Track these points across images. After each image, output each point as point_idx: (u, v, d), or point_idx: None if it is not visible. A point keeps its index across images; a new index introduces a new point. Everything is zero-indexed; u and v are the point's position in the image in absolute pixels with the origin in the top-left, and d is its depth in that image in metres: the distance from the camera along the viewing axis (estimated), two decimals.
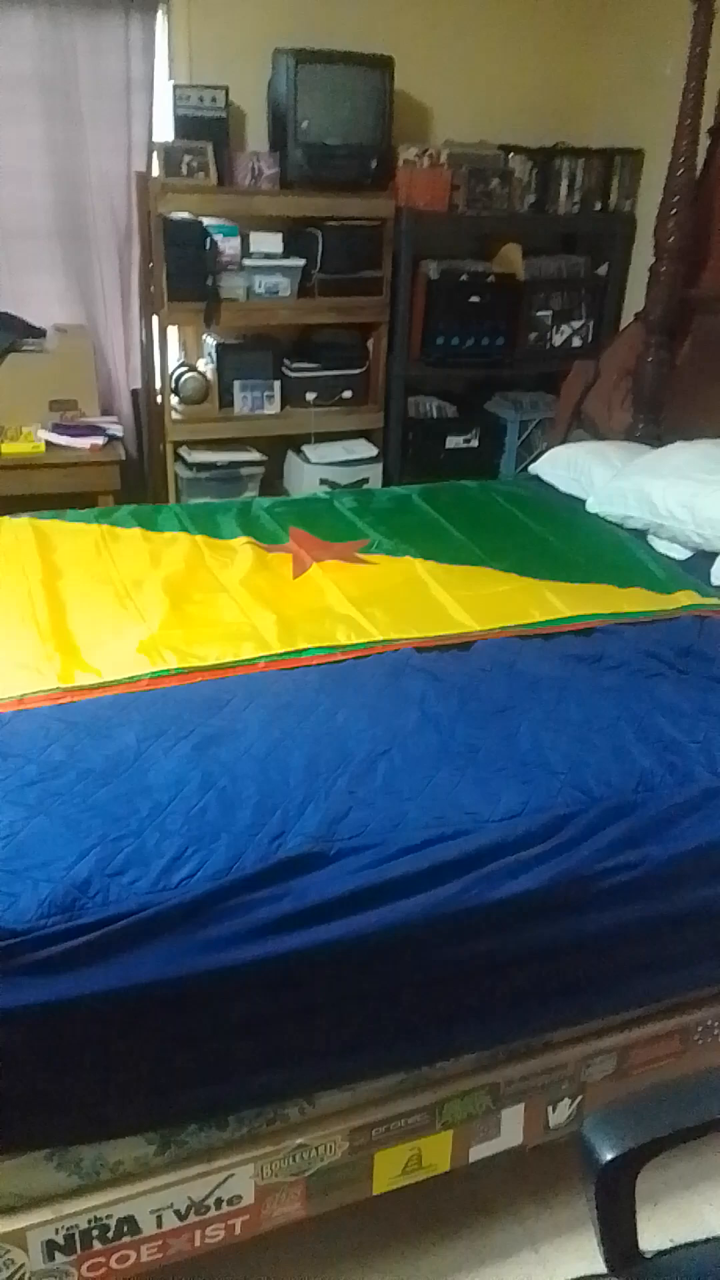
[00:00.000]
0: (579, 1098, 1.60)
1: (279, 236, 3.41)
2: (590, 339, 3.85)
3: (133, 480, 3.46)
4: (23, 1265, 1.31)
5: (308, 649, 1.91)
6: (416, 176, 3.45)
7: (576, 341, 3.85)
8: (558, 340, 3.83)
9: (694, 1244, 1.09)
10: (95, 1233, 1.34)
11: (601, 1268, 1.05)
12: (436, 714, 1.69)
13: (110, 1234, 1.35)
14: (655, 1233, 1.04)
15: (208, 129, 3.29)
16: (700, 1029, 1.64)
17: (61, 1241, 1.32)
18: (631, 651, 1.90)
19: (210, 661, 1.85)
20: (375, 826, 1.43)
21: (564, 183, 3.68)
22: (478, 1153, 1.57)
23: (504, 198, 3.57)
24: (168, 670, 1.81)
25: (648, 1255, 1.06)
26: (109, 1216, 1.34)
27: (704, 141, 2.96)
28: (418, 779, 1.53)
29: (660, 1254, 1.07)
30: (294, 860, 1.36)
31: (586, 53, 3.75)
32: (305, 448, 3.68)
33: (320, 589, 2.17)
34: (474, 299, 3.59)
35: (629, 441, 3.05)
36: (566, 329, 3.82)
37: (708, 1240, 1.10)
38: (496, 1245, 1.66)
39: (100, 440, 3.29)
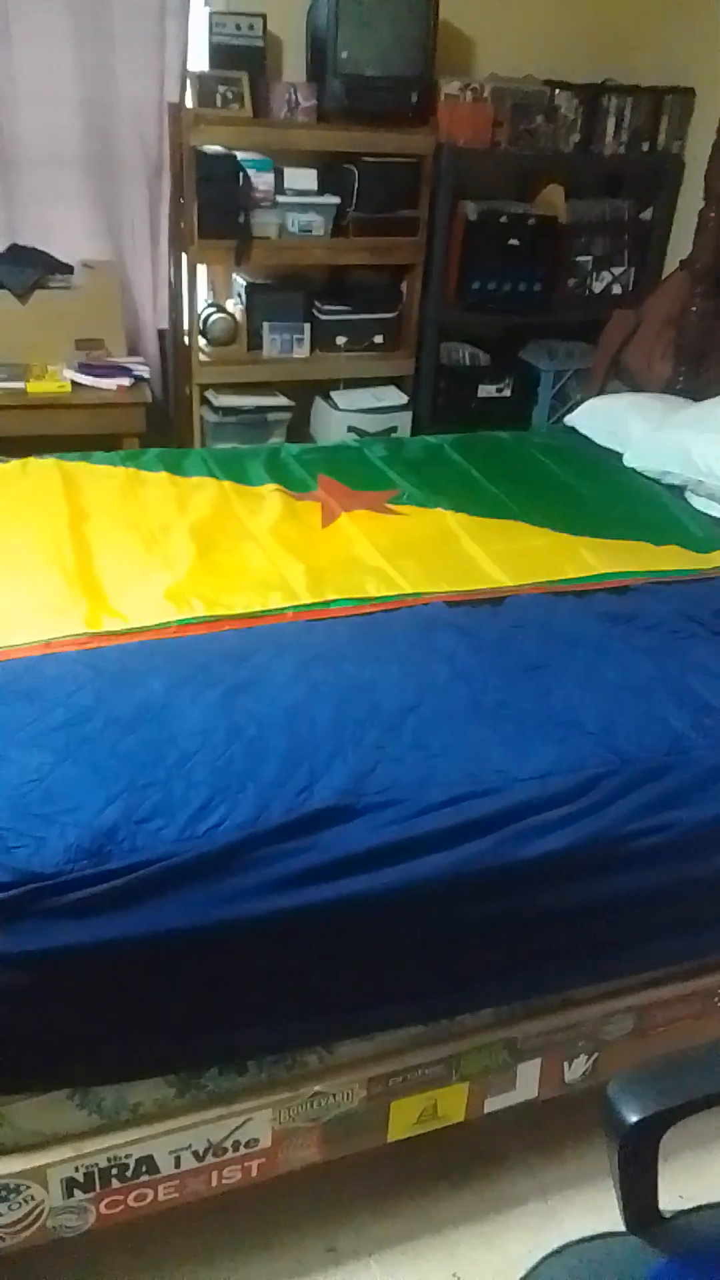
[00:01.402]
0: (595, 1054, 1.61)
1: (314, 173, 3.32)
2: (631, 286, 3.74)
3: (158, 423, 3.41)
4: (42, 1201, 1.33)
5: (336, 600, 1.89)
6: (458, 111, 3.33)
7: (617, 289, 3.74)
8: (598, 287, 3.73)
9: (713, 1205, 1.09)
10: (114, 1171, 1.36)
11: (615, 1222, 1.05)
12: (467, 670, 1.66)
13: (129, 1173, 1.37)
14: (666, 1190, 1.04)
15: (244, 58, 3.18)
16: None
17: (81, 1179, 1.34)
18: (668, 611, 1.87)
19: (238, 610, 1.83)
20: (403, 782, 1.42)
21: (611, 121, 3.54)
22: (492, 1105, 1.59)
23: (548, 136, 3.45)
24: (195, 618, 1.80)
25: (667, 1215, 1.06)
26: (128, 1156, 1.35)
27: None
28: (447, 735, 1.51)
29: (679, 1214, 1.08)
30: (321, 813, 1.35)
31: None
32: (334, 394, 3.62)
33: (349, 539, 2.14)
34: (513, 241, 3.49)
35: (669, 394, 2.98)
36: (607, 275, 3.72)
37: None
38: (506, 1195, 1.68)
39: (127, 381, 3.24)
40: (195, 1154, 1.39)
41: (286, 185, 3.29)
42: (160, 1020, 1.31)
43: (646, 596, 1.94)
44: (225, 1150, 1.41)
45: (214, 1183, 1.43)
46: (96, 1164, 1.33)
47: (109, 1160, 1.34)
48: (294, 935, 1.31)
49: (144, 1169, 1.37)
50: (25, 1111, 1.30)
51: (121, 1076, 1.33)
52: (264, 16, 3.18)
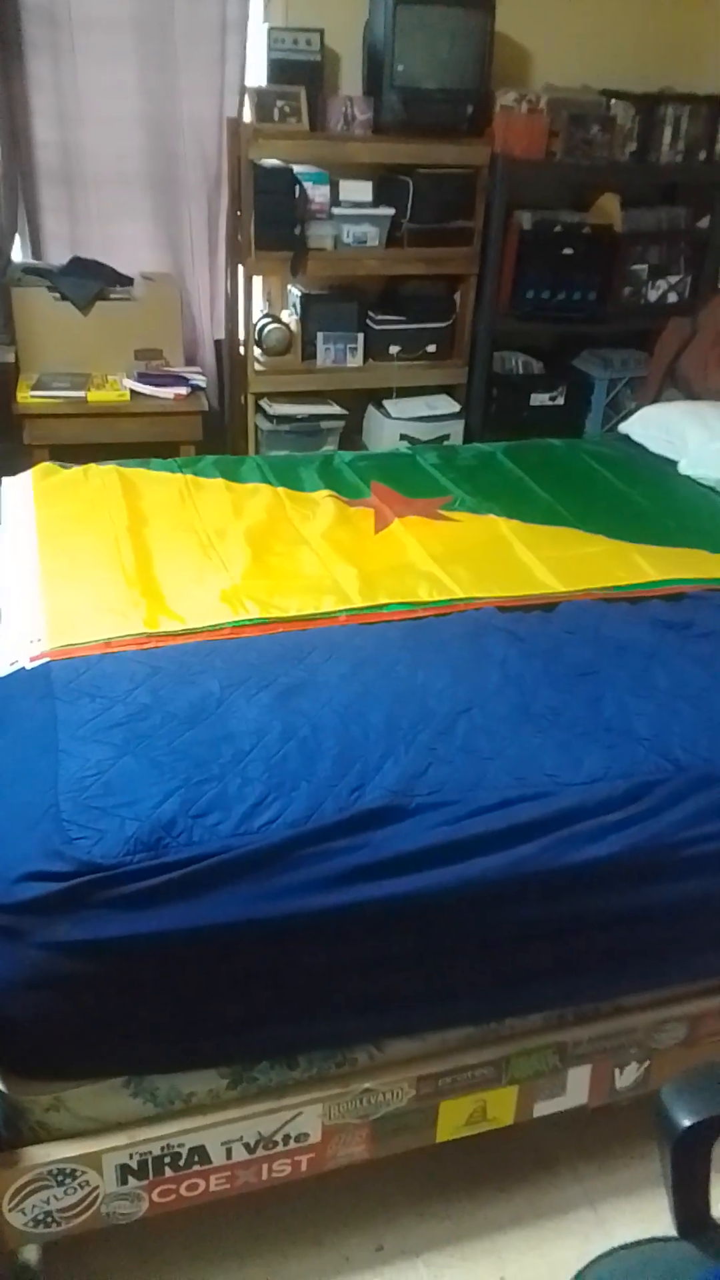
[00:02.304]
0: (646, 1063, 1.60)
1: (369, 185, 3.36)
2: (687, 295, 3.72)
3: (214, 431, 3.47)
4: (97, 1187, 1.36)
5: (389, 604, 1.91)
6: (514, 122, 3.34)
7: (673, 297, 3.72)
8: (653, 296, 3.71)
9: None
10: (167, 1160, 1.38)
11: (663, 1230, 1.05)
12: (519, 675, 1.67)
13: (182, 1162, 1.39)
14: (717, 1198, 1.03)
15: (302, 73, 3.23)
16: None
17: (135, 1166, 1.36)
18: None
19: (291, 613, 1.86)
20: (455, 784, 1.43)
21: (668, 130, 3.53)
22: (541, 1109, 1.58)
23: (604, 145, 3.45)
24: (250, 620, 1.83)
25: (719, 1221, 1.06)
26: (181, 1145, 1.37)
27: None
28: (498, 739, 1.52)
29: None
30: (373, 812, 1.37)
31: None
32: (386, 402, 3.64)
33: (402, 545, 2.16)
34: (567, 251, 3.49)
35: None
36: (663, 284, 3.70)
37: None
38: (554, 1202, 1.67)
39: (184, 390, 3.30)
40: (246, 1146, 1.41)
41: (342, 197, 3.33)
42: (213, 1012, 1.34)
43: (702, 604, 1.93)
44: (275, 1144, 1.43)
45: (264, 1175, 1.45)
46: (150, 1152, 1.36)
47: (163, 1149, 1.36)
48: (345, 932, 1.33)
49: (196, 1159, 1.39)
50: (81, 1098, 1.33)
51: (175, 1066, 1.36)
52: (321, 32, 3.23)
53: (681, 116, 3.52)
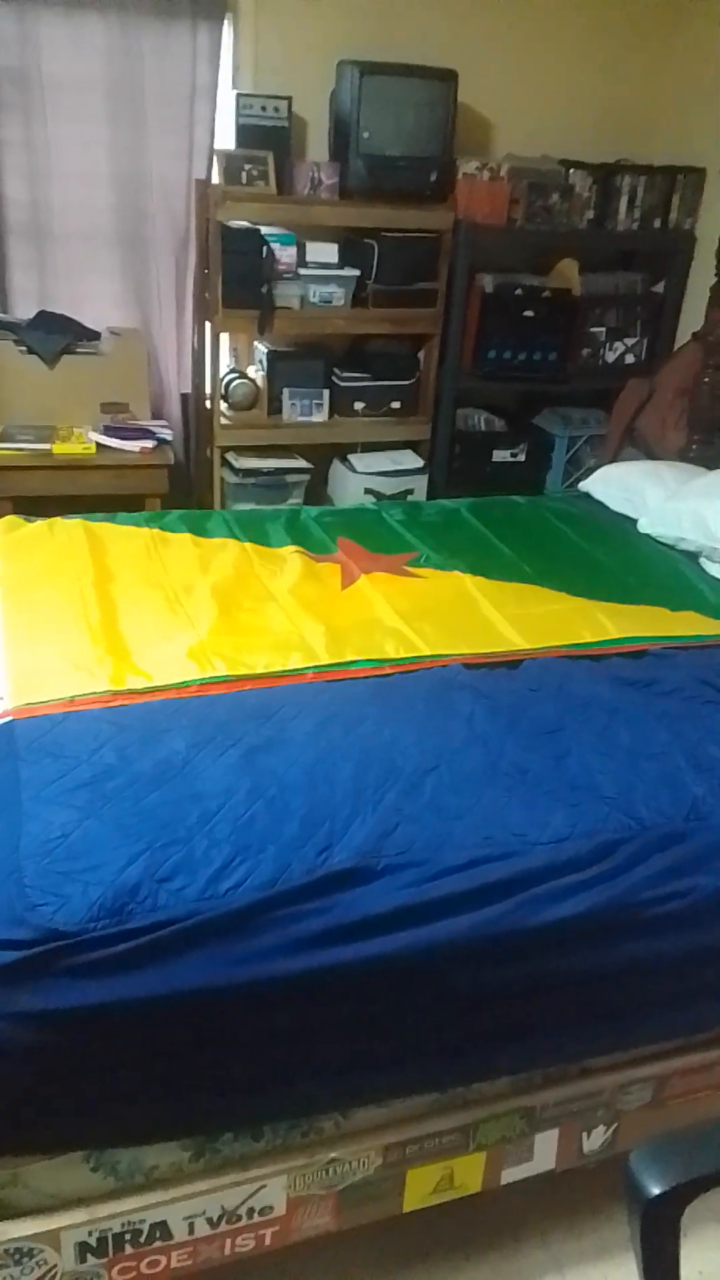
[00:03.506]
0: (614, 1124, 1.59)
1: (335, 246, 3.43)
2: (644, 357, 3.83)
3: (180, 484, 3.49)
4: (55, 1266, 1.32)
5: (356, 661, 1.91)
6: (476, 189, 3.44)
7: (630, 359, 3.83)
8: (611, 357, 3.82)
9: None
10: (128, 1236, 1.34)
11: None
12: (485, 732, 1.68)
13: (143, 1238, 1.35)
14: (684, 1263, 1.02)
15: (269, 138, 3.31)
16: None
17: (94, 1244, 1.33)
18: (685, 677, 1.88)
19: (259, 670, 1.86)
20: (422, 843, 1.43)
21: (624, 199, 3.66)
22: (509, 1175, 1.57)
23: (563, 213, 3.56)
24: (217, 677, 1.82)
25: None
26: (142, 1221, 1.34)
27: None
28: (466, 797, 1.52)
29: None
30: (341, 874, 1.36)
31: (651, 69, 3.73)
32: (351, 457, 3.69)
33: (369, 601, 2.17)
34: (528, 313, 3.59)
35: (682, 462, 3.03)
36: (620, 346, 3.81)
37: None
38: (523, 1269, 1.65)
39: (150, 443, 3.32)
40: (209, 1220, 1.38)
41: (308, 258, 3.40)
42: (178, 1082, 1.31)
43: (663, 662, 1.96)
44: (239, 1217, 1.40)
45: (227, 1250, 1.42)
46: (110, 1229, 1.32)
47: (123, 1225, 1.33)
48: (313, 997, 1.31)
49: (158, 1234, 1.35)
50: (40, 1173, 1.30)
51: (137, 1139, 1.33)
52: (289, 99, 3.32)
53: (637, 186, 3.65)
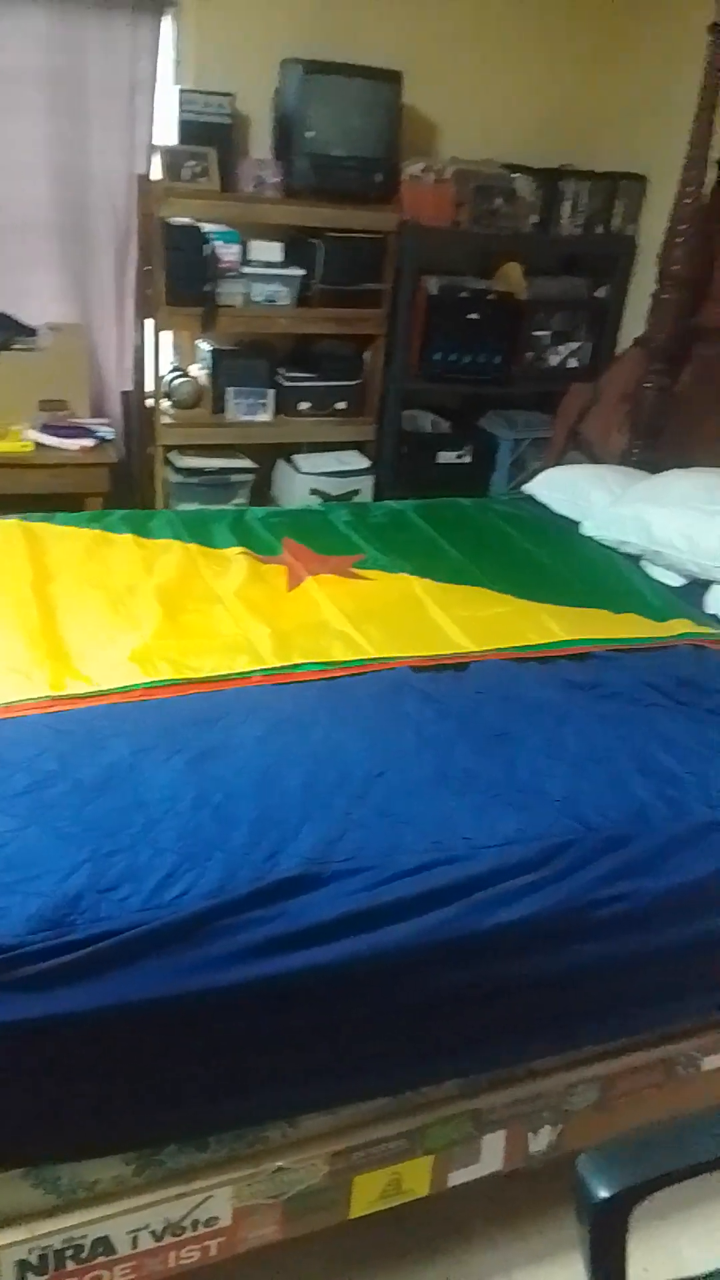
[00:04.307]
0: (560, 1125, 1.60)
1: (279, 245, 3.41)
2: (588, 361, 3.87)
3: (121, 483, 3.43)
4: None
5: (303, 664, 1.90)
6: (421, 191, 3.45)
7: (574, 363, 3.87)
8: (555, 361, 3.85)
9: None
10: (70, 1253, 1.31)
11: None
12: (434, 736, 1.68)
13: (85, 1254, 1.32)
14: (630, 1264, 1.03)
15: (212, 135, 3.27)
16: (684, 1060, 1.64)
17: (35, 1261, 1.29)
18: (629, 680, 1.90)
19: (204, 674, 1.84)
20: (371, 849, 1.42)
21: (568, 204, 3.70)
22: (456, 1178, 1.57)
23: (508, 216, 3.58)
24: (161, 681, 1.79)
25: None
26: (84, 1237, 1.31)
27: (711, 172, 2.98)
28: (414, 802, 1.52)
29: None
30: (288, 881, 1.35)
31: (595, 77, 3.77)
32: (296, 457, 3.67)
33: (315, 603, 2.16)
34: (473, 316, 3.60)
35: (625, 466, 3.06)
36: (564, 350, 3.84)
37: (694, 1278, 1.10)
38: (471, 1272, 1.65)
39: (90, 442, 3.26)
40: (153, 1234, 1.35)
41: (252, 256, 3.38)
42: (122, 1096, 1.29)
43: (607, 664, 1.98)
44: (184, 1229, 1.37)
45: (172, 1263, 1.39)
46: (52, 1245, 1.29)
47: (64, 1242, 1.30)
48: (260, 1005, 1.30)
49: (100, 1250, 1.33)
50: None
51: (79, 1154, 1.30)
52: (232, 96, 3.29)
53: (581, 191, 3.69)
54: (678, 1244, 1.69)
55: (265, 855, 1.38)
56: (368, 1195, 1.50)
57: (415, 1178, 1.52)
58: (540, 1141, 1.60)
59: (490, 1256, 1.67)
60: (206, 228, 3.29)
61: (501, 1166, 1.59)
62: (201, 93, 3.27)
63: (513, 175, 3.60)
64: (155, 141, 3.27)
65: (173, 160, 3.23)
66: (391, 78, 3.27)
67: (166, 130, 3.29)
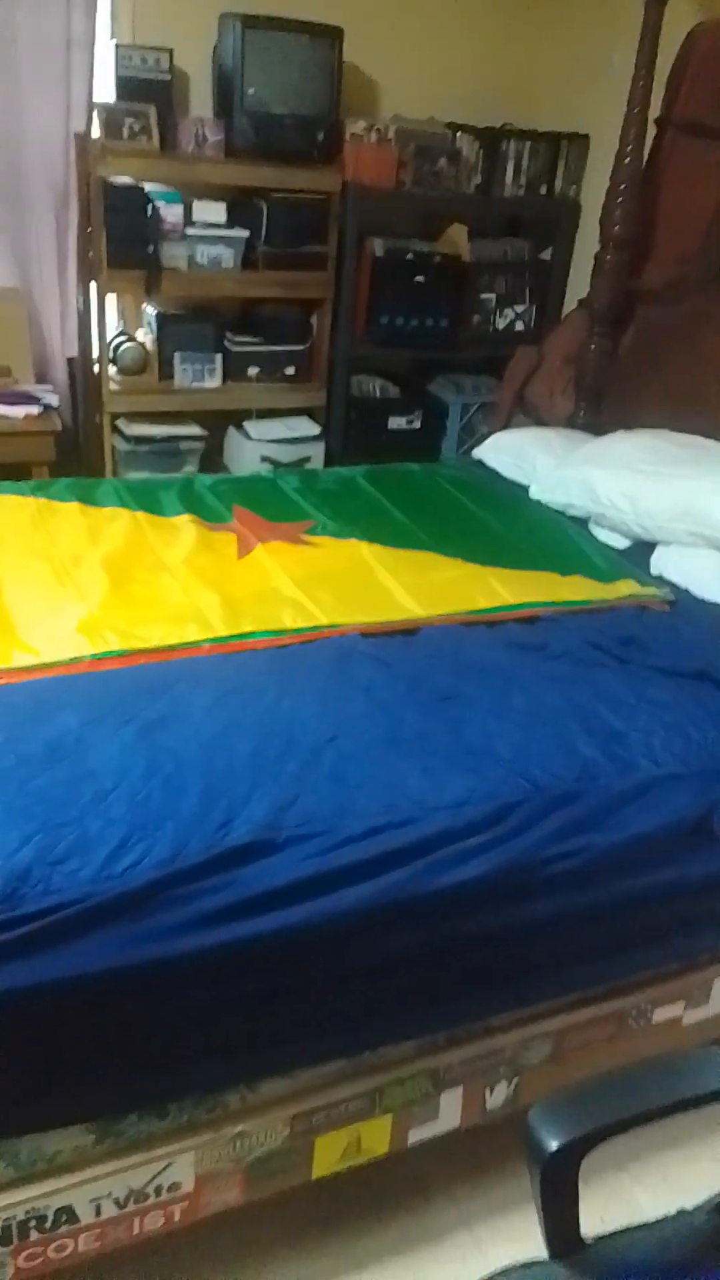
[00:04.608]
0: (515, 1080, 1.63)
1: (223, 206, 3.35)
2: (533, 324, 3.87)
3: (68, 452, 3.37)
4: None
5: (253, 632, 1.89)
6: (364, 151, 3.40)
7: (519, 326, 3.86)
8: (501, 324, 3.84)
9: (634, 1228, 1.12)
10: (33, 1223, 1.32)
11: (539, 1251, 1.07)
12: (384, 701, 1.68)
13: (48, 1224, 1.33)
14: (586, 1212, 1.05)
15: (151, 91, 3.19)
16: (635, 1012, 1.68)
17: None
18: (575, 640, 1.92)
19: (153, 644, 1.82)
20: (323, 814, 1.42)
21: (510, 165, 3.67)
22: (416, 1135, 1.59)
23: (451, 177, 3.55)
24: (110, 652, 1.77)
25: (589, 1241, 1.08)
26: (46, 1207, 1.32)
27: (650, 132, 2.97)
28: (366, 766, 1.52)
29: (601, 1239, 1.09)
30: (241, 849, 1.35)
31: (537, 35, 3.73)
32: (246, 424, 3.63)
33: (265, 571, 2.14)
34: (419, 279, 3.58)
35: (570, 429, 3.07)
36: (510, 313, 3.83)
37: (648, 1224, 1.13)
38: (432, 1227, 1.68)
39: (35, 409, 3.20)
40: (116, 1201, 1.36)
41: (195, 218, 3.31)
42: (78, 1067, 1.28)
43: (554, 626, 1.99)
44: (147, 1196, 1.38)
45: (136, 1230, 1.40)
46: (14, 1216, 1.29)
47: (27, 1213, 1.30)
48: (215, 973, 1.30)
49: (64, 1219, 1.33)
50: None
51: (38, 1126, 1.30)
52: (170, 51, 3.21)
53: (523, 152, 3.66)
54: (632, 1192, 1.74)
55: (217, 823, 1.38)
56: (329, 1156, 1.52)
57: (375, 1137, 1.55)
58: (497, 1097, 1.63)
59: (451, 1211, 1.71)
60: (148, 188, 3.21)
61: (459, 1123, 1.62)
62: (139, 48, 3.18)
63: (455, 134, 3.56)
64: (93, 99, 3.18)
65: (110, 118, 3.15)
66: (332, 34, 3.21)
67: (105, 87, 3.20)
